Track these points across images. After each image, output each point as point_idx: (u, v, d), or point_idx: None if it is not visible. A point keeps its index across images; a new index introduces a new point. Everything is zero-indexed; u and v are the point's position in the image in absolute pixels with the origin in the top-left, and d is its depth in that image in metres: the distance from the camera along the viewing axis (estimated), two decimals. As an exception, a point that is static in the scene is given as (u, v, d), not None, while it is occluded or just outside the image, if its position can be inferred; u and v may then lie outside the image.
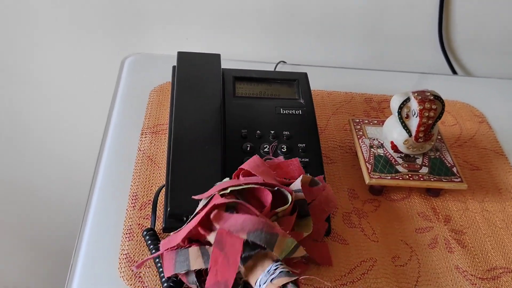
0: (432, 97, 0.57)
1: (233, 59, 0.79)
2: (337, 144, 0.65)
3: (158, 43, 0.83)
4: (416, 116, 0.57)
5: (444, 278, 0.52)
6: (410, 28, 0.84)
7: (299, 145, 0.57)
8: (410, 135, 0.58)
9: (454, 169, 0.59)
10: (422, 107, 0.56)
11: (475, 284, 0.51)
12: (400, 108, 0.57)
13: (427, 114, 0.57)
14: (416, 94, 0.57)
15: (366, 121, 0.64)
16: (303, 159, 0.56)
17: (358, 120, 0.64)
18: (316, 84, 0.76)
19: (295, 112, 0.60)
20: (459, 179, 0.58)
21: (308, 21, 0.82)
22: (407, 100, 0.57)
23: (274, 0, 0.80)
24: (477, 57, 0.87)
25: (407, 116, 0.58)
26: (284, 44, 0.84)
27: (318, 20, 0.82)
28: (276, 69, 0.76)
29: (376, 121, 0.64)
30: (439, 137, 0.63)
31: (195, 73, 0.60)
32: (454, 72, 0.88)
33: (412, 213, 0.58)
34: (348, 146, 0.65)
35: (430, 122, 0.57)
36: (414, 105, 0.57)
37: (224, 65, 0.64)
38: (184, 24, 0.82)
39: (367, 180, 0.57)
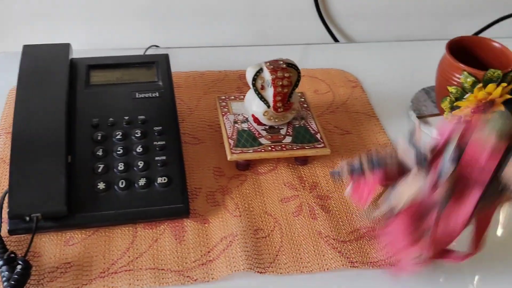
0: (285, 65, 0.56)
1: (104, 48, 0.77)
2: (206, 124, 0.64)
3: (24, 41, 0.79)
4: (270, 86, 0.56)
5: (306, 245, 0.51)
6: (288, 1, 0.83)
7: (155, 128, 0.56)
8: (269, 106, 0.57)
9: (318, 136, 0.59)
10: (274, 76, 0.56)
11: (336, 248, 0.51)
12: (254, 79, 0.56)
13: (280, 83, 0.56)
14: (268, 64, 0.56)
15: (233, 97, 0.63)
16: (159, 142, 0.55)
17: (224, 97, 0.63)
18: (191, 65, 0.74)
19: (151, 95, 0.59)
20: (322, 145, 0.58)
21: (184, 2, 0.80)
22: (260, 70, 0.56)
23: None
24: (357, 23, 0.88)
25: (263, 87, 0.57)
26: (160, 28, 0.82)
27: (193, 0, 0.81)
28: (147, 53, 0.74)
29: (242, 96, 0.63)
30: (306, 105, 0.63)
31: (39, 66, 0.57)
32: (336, 40, 0.88)
33: (278, 184, 0.57)
34: (217, 125, 0.64)
35: (285, 91, 0.56)
36: (267, 75, 0.56)
37: (95, 54, 0.62)
38: (52, 20, 0.78)
39: (228, 156, 0.56)
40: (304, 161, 0.60)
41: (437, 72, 0.65)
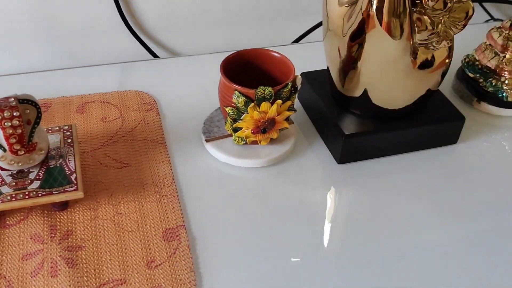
0: (15, 103, 0.49)
1: None
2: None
3: None
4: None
5: (37, 311, 0.45)
6: (91, 18, 0.76)
7: None
8: (5, 150, 0.50)
9: (73, 176, 0.52)
10: (1, 117, 0.49)
11: (68, 311, 0.45)
12: (-19, 122, 0.49)
13: (9, 124, 0.49)
14: (-4, 102, 0.49)
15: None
16: None
17: (-24, 139, 0.56)
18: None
19: None
20: (74, 188, 0.51)
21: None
22: (-12, 111, 0.49)
23: None
24: (177, 35, 0.82)
25: (-7, 129, 0.50)
26: None
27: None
28: None
29: (-2, 136, 0.56)
30: (70, 140, 0.56)
31: None
32: (156, 55, 0.82)
33: (24, 238, 0.50)
34: (-28, 171, 0.56)
35: (19, 131, 0.49)
36: (-7, 116, 0.49)
37: None
38: None
39: (-44, 213, 0.49)
40: (63, 205, 0.53)
41: (218, 93, 0.59)
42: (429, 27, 0.53)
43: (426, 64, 0.56)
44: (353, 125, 0.60)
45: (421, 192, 0.59)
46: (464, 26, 0.57)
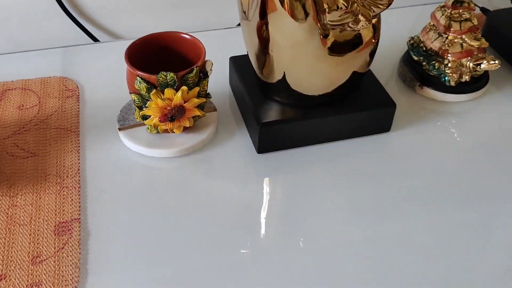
0: None
1: None
2: None
3: None
4: None
5: None
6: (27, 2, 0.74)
7: None
8: None
9: (-35, 167, 0.50)
10: None
11: None
12: None
13: None
14: None
15: None
16: None
17: None
18: None
19: None
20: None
21: None
22: None
23: None
24: (117, 18, 0.79)
25: None
26: None
27: None
28: None
29: None
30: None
31: None
32: (96, 39, 0.79)
33: None
34: None
35: None
36: None
37: None
38: None
39: None
40: (-45, 197, 0.51)
41: (126, 80, 0.56)
42: (341, 6, 0.49)
43: (342, 47, 0.52)
44: (273, 113, 0.56)
45: (343, 183, 0.55)
46: (389, 3, 0.52)
